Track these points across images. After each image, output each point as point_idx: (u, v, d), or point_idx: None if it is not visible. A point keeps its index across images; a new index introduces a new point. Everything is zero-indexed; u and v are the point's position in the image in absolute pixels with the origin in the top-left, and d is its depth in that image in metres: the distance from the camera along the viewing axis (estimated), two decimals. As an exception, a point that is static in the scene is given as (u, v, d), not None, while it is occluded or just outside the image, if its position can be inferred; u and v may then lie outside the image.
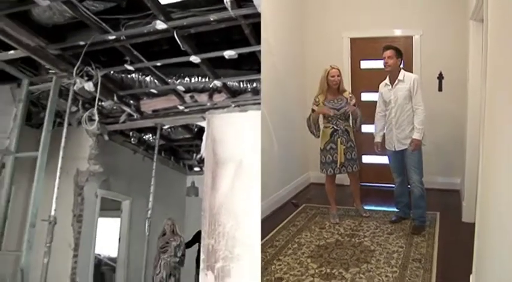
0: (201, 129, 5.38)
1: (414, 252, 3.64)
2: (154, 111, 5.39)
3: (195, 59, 3.97)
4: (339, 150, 4.33)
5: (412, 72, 4.66)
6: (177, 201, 8.55)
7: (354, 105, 4.40)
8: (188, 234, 6.41)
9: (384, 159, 4.55)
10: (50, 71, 4.49)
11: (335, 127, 4.34)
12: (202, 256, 4.53)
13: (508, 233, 1.72)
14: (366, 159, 5.59)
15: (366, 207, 4.68)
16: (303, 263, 3.53)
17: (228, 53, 3.93)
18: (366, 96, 5.48)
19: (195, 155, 7.50)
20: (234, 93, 4.76)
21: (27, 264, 4.08)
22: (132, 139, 6.60)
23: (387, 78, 4.21)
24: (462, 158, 4.49)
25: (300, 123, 5.22)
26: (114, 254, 7.54)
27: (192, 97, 4.93)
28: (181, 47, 3.73)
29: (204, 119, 5.02)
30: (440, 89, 5.28)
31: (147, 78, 4.67)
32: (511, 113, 1.83)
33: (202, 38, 4.03)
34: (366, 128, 5.15)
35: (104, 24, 3.63)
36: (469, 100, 4.18)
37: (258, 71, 4.22)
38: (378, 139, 4.36)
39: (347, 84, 5.31)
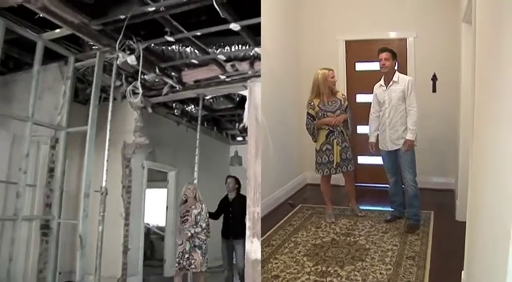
0: (243, 98, 5.42)
1: (408, 250, 3.71)
2: (195, 81, 5.42)
3: (234, 26, 3.92)
4: (335, 150, 4.40)
5: (406, 73, 4.74)
6: (221, 170, 8.48)
7: (346, 107, 4.48)
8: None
9: (378, 160, 4.62)
10: (94, 47, 4.62)
11: (331, 128, 4.41)
12: (248, 223, 4.52)
13: (495, 230, 1.78)
14: (361, 159, 5.65)
15: (361, 207, 4.75)
16: (299, 261, 3.59)
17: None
18: (361, 98, 5.55)
19: (237, 124, 7.63)
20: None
21: (84, 232, 4.35)
22: (175, 111, 6.74)
23: (382, 79, 4.29)
24: (456, 158, 4.56)
25: (295, 125, 5.30)
26: (162, 223, 8.01)
27: (233, 66, 4.91)
28: (221, 14, 3.67)
29: (245, 87, 5.00)
30: (434, 90, 5.35)
31: (188, 49, 4.69)
32: (493, 113, 1.90)
33: (241, 5, 3.87)
34: (361, 129, 5.24)
35: (143, -4, 3.66)
36: (461, 101, 4.26)
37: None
38: (372, 139, 4.42)
39: (343, 86, 5.40)
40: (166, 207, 7.03)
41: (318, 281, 3.24)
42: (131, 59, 4.47)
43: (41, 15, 3.74)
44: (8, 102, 5.13)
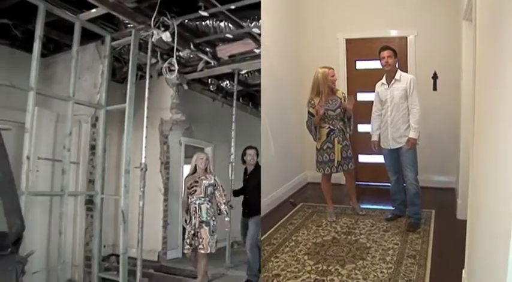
0: None
1: (409, 248, 3.71)
2: (230, 56, 5.44)
3: (268, -1, 3.87)
4: (336, 149, 4.39)
5: (407, 72, 4.73)
6: (257, 145, 8.71)
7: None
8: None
9: (379, 158, 4.62)
10: (129, 25, 4.71)
11: (331, 127, 4.40)
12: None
13: (495, 228, 1.78)
14: (362, 158, 5.65)
15: (362, 206, 4.75)
16: (300, 260, 3.59)
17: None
18: (361, 97, 5.53)
19: None
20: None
21: (126, 207, 4.49)
22: (210, 86, 6.79)
23: (384, 77, 4.28)
24: (457, 157, 4.56)
25: (296, 123, 5.29)
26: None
27: (267, 39, 4.85)
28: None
29: None
30: (435, 89, 5.35)
31: (222, 24, 4.66)
32: (493, 111, 1.90)
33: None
34: (362, 128, 5.22)
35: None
36: (462, 99, 4.25)
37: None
38: (374, 138, 4.41)
39: (343, 85, 5.39)
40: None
41: (319, 279, 3.23)
42: (166, 36, 4.51)
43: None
44: (50, 83, 5.28)
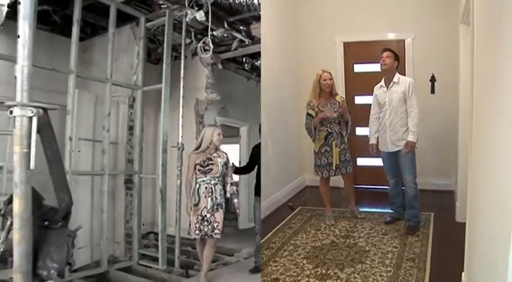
0: None
1: (408, 252, 3.69)
2: None
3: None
4: (334, 152, 4.39)
5: (404, 75, 4.73)
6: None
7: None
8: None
9: (378, 162, 4.60)
10: (163, 6, 4.79)
11: (329, 130, 4.40)
12: None
13: (495, 231, 1.77)
14: (360, 161, 5.64)
15: (361, 209, 4.74)
16: (299, 264, 3.57)
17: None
18: (359, 100, 5.55)
19: None
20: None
21: (164, 185, 4.66)
22: (245, 65, 6.76)
23: (382, 80, 4.28)
24: (455, 159, 4.55)
25: (295, 126, 5.29)
26: (235, 177, 7.93)
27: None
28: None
29: None
30: (432, 91, 5.35)
31: (255, 1, 4.64)
32: (492, 114, 1.90)
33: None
34: (360, 131, 5.22)
35: None
36: (460, 102, 4.25)
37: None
38: (372, 141, 4.40)
39: (341, 88, 5.38)
40: (239, 162, 7.09)
41: (318, 283, 3.22)
42: (200, 15, 4.54)
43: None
44: (88, 66, 5.46)
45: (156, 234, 5.58)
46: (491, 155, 1.92)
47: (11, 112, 1.82)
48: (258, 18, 5.09)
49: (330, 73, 4.39)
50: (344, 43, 5.66)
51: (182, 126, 4.76)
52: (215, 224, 3.82)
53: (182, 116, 4.80)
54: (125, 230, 5.24)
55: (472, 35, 2.62)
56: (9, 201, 2.01)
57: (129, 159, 5.20)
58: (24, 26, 1.78)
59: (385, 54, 4.16)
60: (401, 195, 4.35)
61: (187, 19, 4.62)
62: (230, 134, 7.33)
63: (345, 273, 3.33)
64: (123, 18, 4.99)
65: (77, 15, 4.31)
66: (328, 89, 4.38)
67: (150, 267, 4.80)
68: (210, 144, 3.93)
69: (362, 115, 4.71)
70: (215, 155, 3.95)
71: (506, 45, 1.62)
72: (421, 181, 4.38)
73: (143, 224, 5.31)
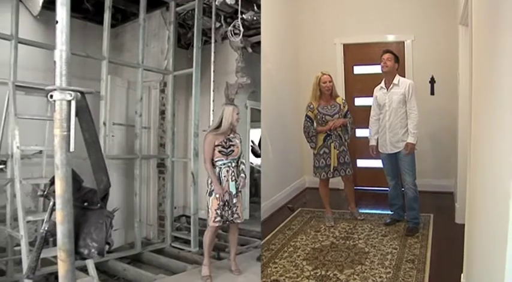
0: None
1: (408, 253, 3.69)
2: None
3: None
4: (332, 154, 4.39)
5: (404, 76, 4.74)
6: None
7: (346, 112, 4.46)
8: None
9: (378, 163, 4.61)
10: None
11: (328, 132, 4.40)
12: None
13: (493, 232, 1.78)
14: (361, 163, 5.65)
15: (361, 210, 4.74)
16: (299, 265, 3.57)
17: None
18: (359, 101, 5.56)
19: None
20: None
21: (196, 169, 4.70)
22: None
23: (382, 82, 4.29)
24: (455, 161, 4.56)
25: (295, 128, 5.30)
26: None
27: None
28: None
29: None
30: (432, 93, 5.36)
31: None
32: (490, 116, 1.90)
33: None
34: (359, 132, 5.23)
35: None
36: (460, 103, 4.25)
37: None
38: (372, 142, 4.41)
39: (341, 90, 5.40)
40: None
41: (318, 285, 3.23)
42: None
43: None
44: (119, 52, 5.59)
45: (188, 217, 5.80)
46: (490, 156, 1.92)
47: (51, 96, 1.87)
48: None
49: (329, 75, 4.40)
50: (344, 45, 5.67)
51: (213, 110, 4.80)
52: (234, 208, 3.71)
53: (213, 100, 4.86)
54: (157, 213, 5.39)
55: (470, 36, 2.63)
56: (51, 183, 2.09)
57: (161, 144, 5.33)
58: (62, 11, 1.84)
59: (386, 56, 4.17)
60: (401, 197, 4.35)
61: (216, 3, 4.66)
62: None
63: (345, 275, 3.33)
64: (153, 4, 5.09)
65: (108, 2, 4.40)
66: (328, 91, 4.38)
67: (182, 249, 4.90)
68: (231, 124, 3.77)
69: (362, 117, 4.71)
70: (232, 136, 3.82)
71: (504, 46, 1.63)
72: (421, 182, 4.38)
73: (175, 207, 5.41)
